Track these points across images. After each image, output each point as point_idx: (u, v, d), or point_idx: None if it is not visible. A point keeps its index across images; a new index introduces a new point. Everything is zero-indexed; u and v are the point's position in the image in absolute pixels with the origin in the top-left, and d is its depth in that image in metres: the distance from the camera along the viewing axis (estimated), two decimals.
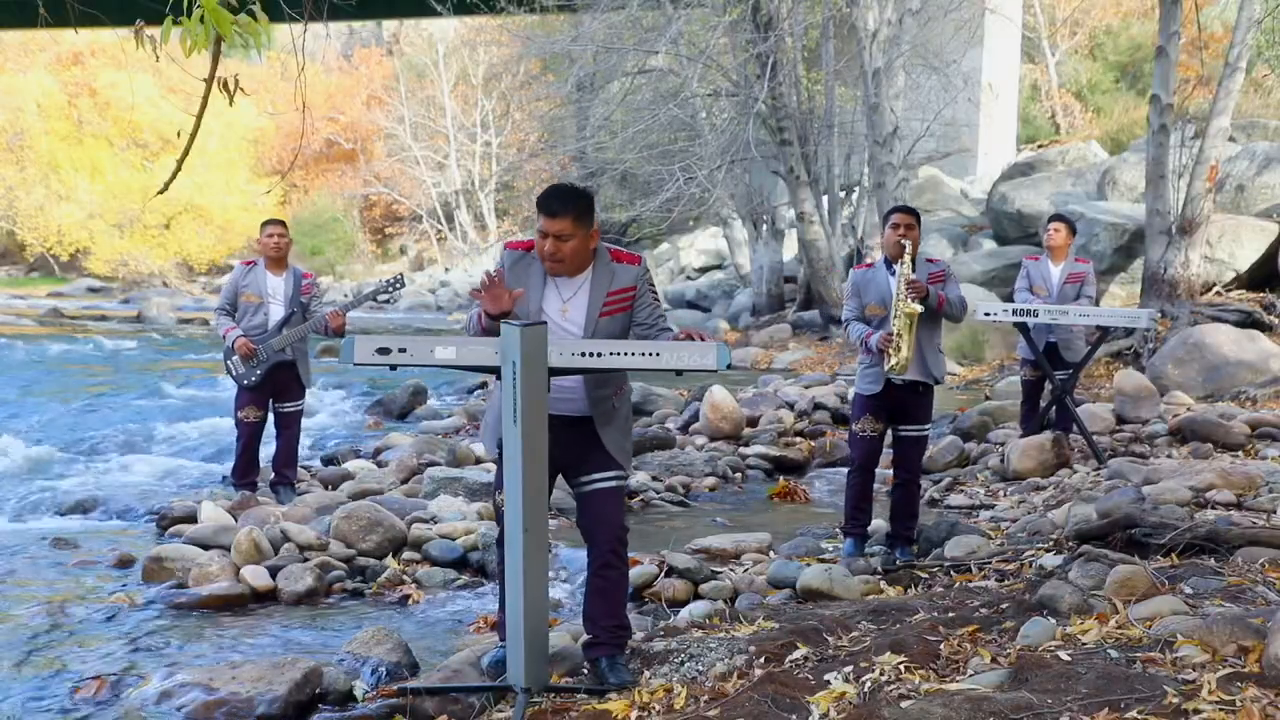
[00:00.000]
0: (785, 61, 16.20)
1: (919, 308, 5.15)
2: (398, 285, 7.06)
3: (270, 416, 6.94)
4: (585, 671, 3.72)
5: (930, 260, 5.45)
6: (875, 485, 5.66)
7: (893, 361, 5.18)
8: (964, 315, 5.48)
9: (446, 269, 35.29)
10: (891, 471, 5.63)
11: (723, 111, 17.89)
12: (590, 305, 3.55)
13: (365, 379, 12.96)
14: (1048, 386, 7.69)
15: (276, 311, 6.74)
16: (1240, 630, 3.12)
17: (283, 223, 6.96)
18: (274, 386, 6.83)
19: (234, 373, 6.81)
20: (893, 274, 5.25)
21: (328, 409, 11.50)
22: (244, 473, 6.93)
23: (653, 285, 3.69)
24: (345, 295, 28.22)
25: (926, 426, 5.47)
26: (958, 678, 3.18)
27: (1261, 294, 12.22)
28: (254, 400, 6.82)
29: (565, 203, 3.47)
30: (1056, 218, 7.83)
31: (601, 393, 3.61)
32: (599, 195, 22.68)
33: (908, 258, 5.19)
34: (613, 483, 3.66)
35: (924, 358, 5.27)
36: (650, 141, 17.88)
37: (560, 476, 3.78)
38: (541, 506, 3.27)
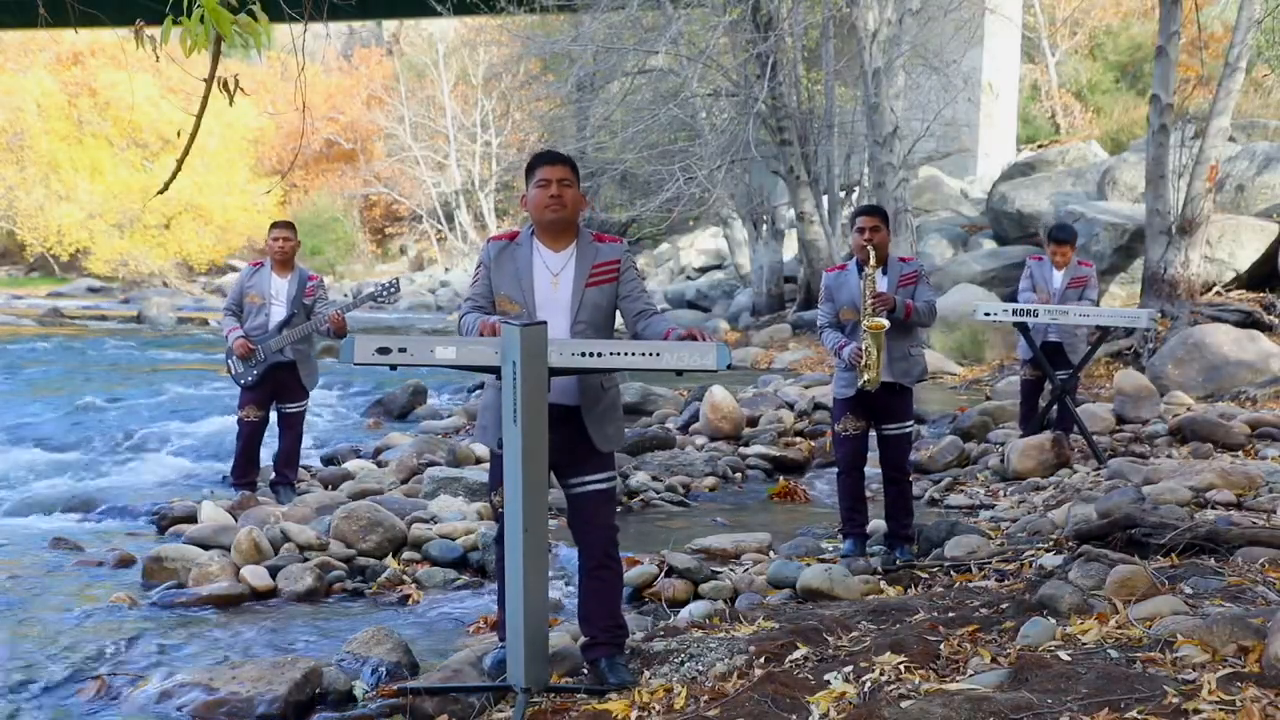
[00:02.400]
0: (785, 61, 16.20)
1: (885, 322, 5.12)
2: (394, 289, 7.13)
3: (274, 416, 6.98)
4: (585, 672, 3.72)
5: (903, 260, 5.41)
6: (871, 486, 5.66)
7: (864, 379, 5.17)
8: (933, 321, 5.47)
9: (446, 269, 35.30)
10: (880, 471, 5.63)
11: (723, 111, 17.89)
12: (577, 276, 3.63)
13: (364, 378, 12.96)
14: (1047, 386, 7.69)
15: (277, 312, 6.79)
16: (1240, 630, 3.12)
17: (291, 225, 6.98)
18: (275, 387, 6.88)
19: (233, 372, 6.89)
20: (863, 277, 5.22)
21: (328, 409, 11.50)
22: (242, 472, 6.96)
23: (637, 268, 3.78)
24: (345, 295, 28.25)
25: (908, 424, 5.46)
26: (958, 678, 3.17)
27: (1261, 294, 12.23)
28: (254, 400, 6.86)
29: (561, 156, 3.74)
30: (1063, 241, 7.60)
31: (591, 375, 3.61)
32: (599, 195, 22.70)
33: (871, 269, 5.16)
34: (604, 485, 3.67)
35: (898, 361, 5.26)
36: (650, 141, 17.88)
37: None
38: (542, 506, 3.27)
